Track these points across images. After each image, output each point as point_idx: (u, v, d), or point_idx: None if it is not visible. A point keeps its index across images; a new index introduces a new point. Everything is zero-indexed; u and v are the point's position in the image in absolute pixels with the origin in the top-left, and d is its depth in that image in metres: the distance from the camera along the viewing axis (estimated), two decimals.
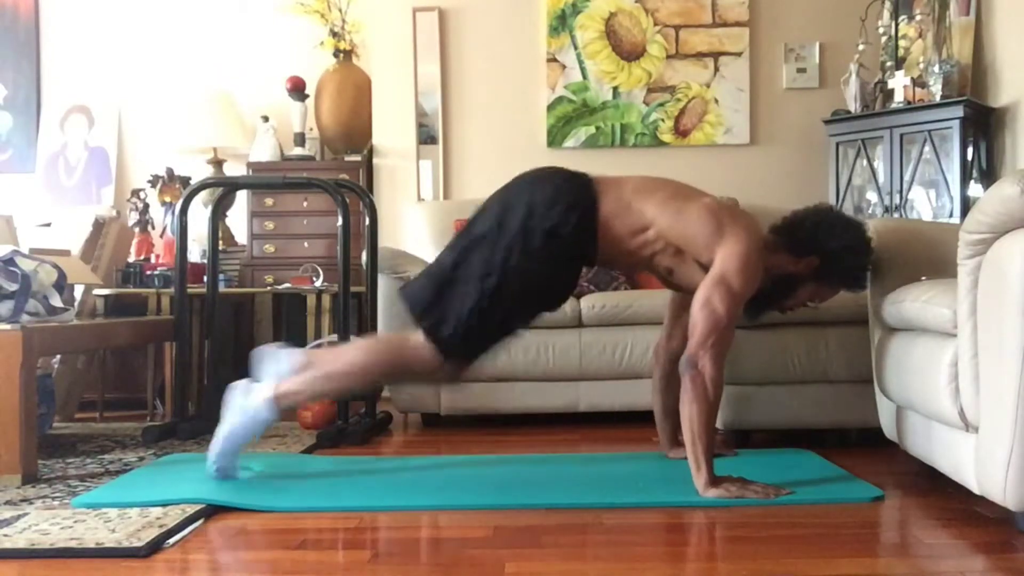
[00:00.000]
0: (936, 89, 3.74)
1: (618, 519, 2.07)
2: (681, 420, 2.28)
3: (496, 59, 4.43)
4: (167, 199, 4.40)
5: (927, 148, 3.77)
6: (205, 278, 3.56)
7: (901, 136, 3.83)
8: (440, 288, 2.31)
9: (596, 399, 3.48)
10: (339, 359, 2.42)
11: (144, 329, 3.45)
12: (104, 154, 4.77)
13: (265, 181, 4.09)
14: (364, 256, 3.46)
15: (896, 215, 3.82)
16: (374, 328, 3.39)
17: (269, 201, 4.29)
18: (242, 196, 4.35)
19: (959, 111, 3.64)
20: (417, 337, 2.33)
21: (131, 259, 4.27)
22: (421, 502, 2.26)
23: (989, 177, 3.77)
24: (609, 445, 3.08)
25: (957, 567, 1.72)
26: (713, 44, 4.39)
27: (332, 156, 4.60)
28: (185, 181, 4.39)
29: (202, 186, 3.58)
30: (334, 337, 3.35)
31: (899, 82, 3.86)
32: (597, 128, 4.40)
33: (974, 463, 1.94)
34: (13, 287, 2.75)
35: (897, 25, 4.01)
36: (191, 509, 2.11)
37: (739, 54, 4.38)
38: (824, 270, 2.42)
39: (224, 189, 3.84)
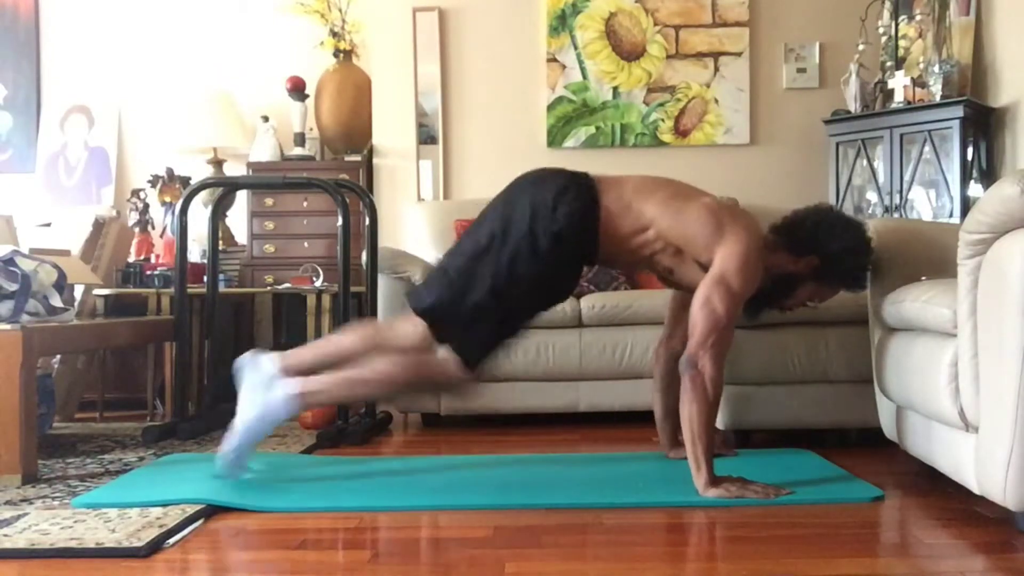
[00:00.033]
0: (936, 89, 3.74)
1: (618, 519, 2.07)
2: (681, 420, 2.28)
3: (496, 59, 4.43)
4: (167, 199, 4.40)
5: (927, 148, 3.77)
6: (205, 278, 3.56)
7: (901, 136, 3.83)
8: (454, 299, 2.32)
9: (596, 399, 3.48)
10: (371, 366, 2.43)
11: (144, 329, 3.45)
12: (104, 154, 4.77)
13: (265, 181, 4.09)
14: (364, 256, 3.46)
15: (896, 215, 3.82)
16: None
17: (269, 201, 4.29)
18: (242, 196, 4.35)
19: (959, 111, 3.64)
20: (443, 351, 2.35)
21: (131, 259, 4.27)
22: (421, 502, 2.26)
23: (989, 177, 3.77)
24: (609, 445, 3.08)
25: (957, 567, 1.72)
26: (713, 44, 4.39)
27: (332, 156, 4.60)
28: (185, 181, 4.39)
29: (202, 186, 3.58)
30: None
31: (899, 82, 3.86)
32: (597, 128, 4.40)
33: (974, 463, 1.94)
34: (13, 287, 2.75)
35: (897, 25, 4.01)
36: (191, 509, 2.11)
37: (739, 54, 4.38)
38: (824, 270, 2.42)
39: (224, 189, 3.84)
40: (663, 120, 4.40)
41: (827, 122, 4.13)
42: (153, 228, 4.43)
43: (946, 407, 2.00)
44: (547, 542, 1.90)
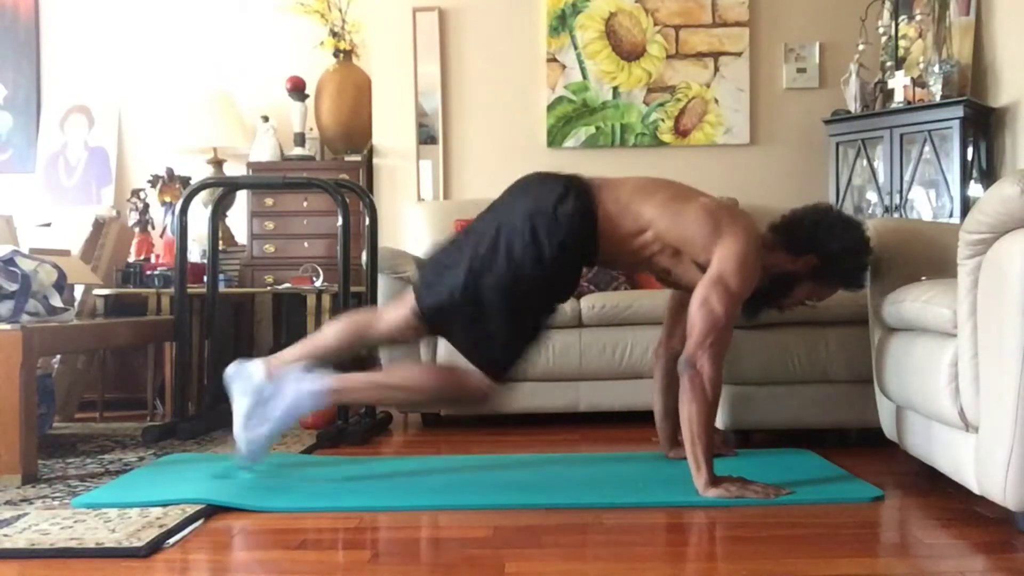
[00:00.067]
0: (936, 89, 3.74)
1: (618, 519, 2.07)
2: (680, 420, 2.28)
3: (496, 59, 4.43)
4: (167, 199, 4.40)
5: (927, 148, 3.77)
6: (205, 278, 3.56)
7: (901, 136, 3.83)
8: (462, 311, 2.32)
9: (596, 399, 3.48)
10: (403, 373, 2.43)
11: (144, 329, 3.45)
12: (104, 154, 4.77)
13: (265, 181, 4.09)
14: (364, 256, 3.47)
15: (896, 215, 3.82)
16: None
17: (269, 201, 4.29)
18: (242, 196, 4.35)
19: (959, 111, 3.64)
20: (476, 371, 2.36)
21: (131, 259, 4.27)
22: (421, 502, 2.26)
23: (989, 177, 3.77)
24: (609, 445, 3.08)
25: (957, 567, 1.72)
26: (713, 44, 4.39)
27: (332, 156, 4.60)
28: (185, 181, 4.39)
29: (202, 186, 3.58)
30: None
31: (899, 82, 3.86)
32: (597, 128, 4.40)
33: (974, 463, 1.94)
34: (13, 287, 2.75)
35: (897, 25, 4.01)
36: (191, 509, 2.11)
37: (739, 54, 4.38)
38: (822, 269, 2.42)
39: (224, 189, 3.84)
40: (663, 120, 4.40)
41: (827, 122, 4.13)
42: (153, 228, 4.43)
43: (946, 407, 2.00)
44: (547, 542, 1.90)
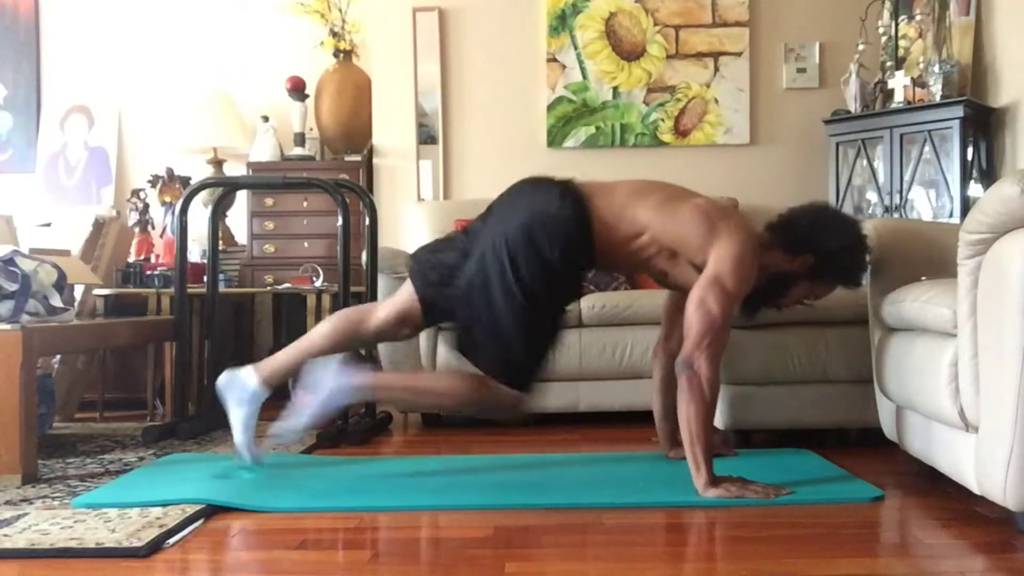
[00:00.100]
0: (936, 89, 3.74)
1: (618, 519, 2.07)
2: (679, 421, 2.28)
3: (496, 59, 4.43)
4: (167, 199, 4.40)
5: (927, 148, 3.77)
6: (205, 278, 3.56)
7: (901, 136, 3.83)
8: (489, 338, 2.33)
9: (596, 399, 3.48)
10: (438, 378, 2.44)
11: (144, 329, 3.45)
12: (104, 154, 4.78)
13: (265, 181, 4.10)
14: (364, 256, 3.47)
15: (896, 215, 3.82)
16: None
17: (269, 201, 4.29)
18: (242, 196, 4.35)
19: (959, 111, 3.64)
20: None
21: (131, 259, 4.27)
22: (421, 502, 2.25)
23: (989, 177, 3.77)
24: (609, 445, 3.08)
25: (957, 567, 1.72)
26: (713, 44, 4.39)
27: (332, 156, 4.60)
28: (185, 181, 4.39)
29: (202, 186, 3.58)
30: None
31: (899, 82, 3.86)
32: (597, 128, 4.40)
33: (974, 463, 1.94)
34: (13, 287, 2.75)
35: (897, 25, 4.01)
36: (191, 509, 2.11)
37: (739, 54, 4.38)
38: (819, 268, 2.42)
39: (224, 189, 3.84)
40: (663, 120, 4.40)
41: (827, 122, 4.13)
42: (153, 228, 4.44)
43: (946, 407, 2.00)
44: (547, 542, 1.90)
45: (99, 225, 4.18)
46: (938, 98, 3.73)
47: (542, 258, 2.27)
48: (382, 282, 3.46)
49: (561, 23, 4.40)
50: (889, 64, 4.03)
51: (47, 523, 2.02)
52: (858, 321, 2.80)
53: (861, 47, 4.05)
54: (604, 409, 3.48)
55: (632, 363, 3.43)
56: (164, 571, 1.75)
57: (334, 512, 2.16)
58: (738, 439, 2.96)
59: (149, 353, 3.92)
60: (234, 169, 4.59)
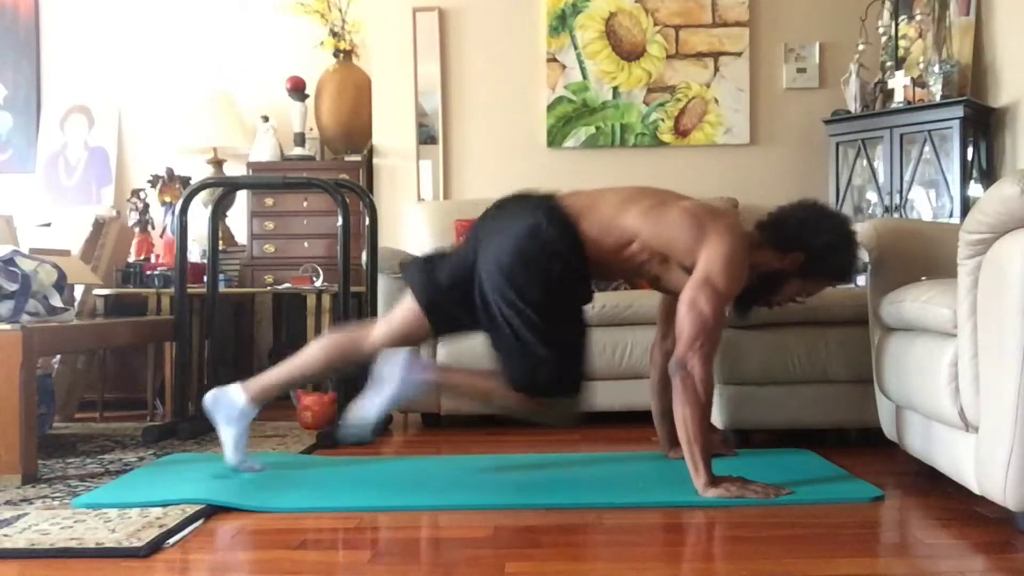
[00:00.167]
0: (936, 89, 3.74)
1: (618, 519, 2.07)
2: (675, 423, 2.29)
3: (496, 59, 4.43)
4: (167, 199, 4.40)
5: (927, 148, 3.77)
6: (205, 278, 3.56)
7: (901, 136, 3.83)
8: (520, 361, 2.35)
9: (596, 399, 3.47)
10: (499, 383, 2.45)
11: (144, 329, 3.45)
12: (104, 154, 4.78)
13: (265, 181, 4.10)
14: (364, 256, 3.46)
15: (896, 215, 3.82)
16: None
17: (269, 201, 4.29)
18: (242, 196, 4.35)
19: (959, 111, 3.64)
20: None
21: (131, 259, 4.27)
22: (421, 502, 2.26)
23: (989, 177, 3.77)
24: (609, 445, 3.08)
25: (957, 567, 1.72)
26: (713, 44, 4.39)
27: (332, 156, 4.60)
28: (185, 181, 4.39)
29: (202, 186, 3.58)
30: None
31: (899, 82, 3.86)
32: (597, 128, 4.40)
33: (974, 463, 1.94)
34: (13, 287, 2.75)
35: (897, 25, 4.01)
36: (191, 509, 2.11)
37: (739, 54, 4.38)
38: (809, 266, 2.42)
39: (224, 189, 3.84)
40: (663, 120, 4.40)
41: (827, 122, 4.13)
42: (153, 228, 4.44)
43: (946, 407, 2.00)
44: (547, 542, 1.90)
45: (99, 225, 4.18)
46: (938, 98, 3.73)
47: (542, 278, 2.30)
48: (382, 282, 3.46)
49: (561, 23, 4.40)
50: (889, 64, 4.03)
51: (47, 523, 2.02)
52: (858, 321, 2.80)
53: (861, 47, 4.06)
54: (604, 409, 3.47)
55: (632, 363, 3.43)
56: (164, 571, 1.75)
57: (334, 512, 2.16)
58: (738, 439, 2.96)
59: (149, 353, 3.92)
60: (234, 169, 4.59)
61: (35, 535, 1.92)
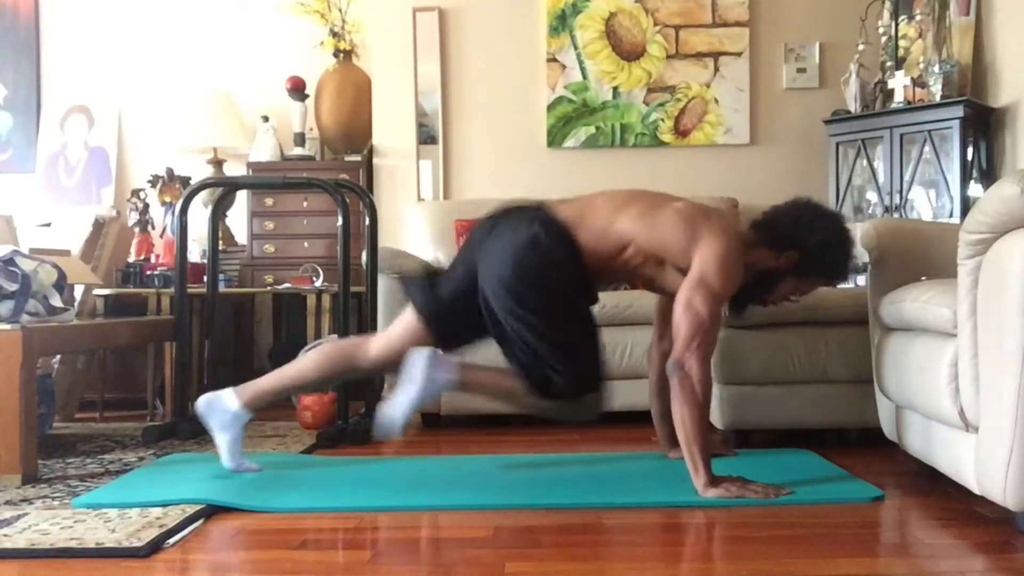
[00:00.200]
0: (936, 89, 3.74)
1: (618, 519, 2.07)
2: (674, 424, 2.29)
3: (496, 59, 4.43)
4: (167, 199, 4.40)
5: (927, 148, 3.77)
6: (205, 278, 3.56)
7: (901, 136, 3.83)
8: (536, 370, 2.36)
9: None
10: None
11: (144, 329, 3.45)
12: (104, 154, 4.78)
13: (265, 181, 4.10)
14: (364, 256, 3.46)
15: (896, 215, 3.82)
16: (374, 328, 3.39)
17: (269, 201, 4.29)
18: (242, 196, 4.35)
19: (959, 111, 3.64)
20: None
21: (131, 259, 4.27)
22: (421, 502, 2.26)
23: (989, 177, 3.77)
24: (609, 445, 3.08)
25: (957, 567, 1.72)
26: (713, 44, 4.39)
27: (332, 156, 4.60)
28: (185, 181, 4.39)
29: (202, 186, 3.58)
30: (334, 337, 3.36)
31: (899, 82, 3.86)
32: (597, 128, 4.40)
33: (974, 463, 1.94)
34: (13, 287, 2.75)
35: (897, 25, 4.01)
36: (191, 509, 2.11)
37: (739, 54, 4.38)
38: (804, 264, 2.43)
39: (224, 189, 3.84)
40: (663, 120, 4.40)
41: (827, 122, 4.13)
42: (153, 228, 4.44)
43: (946, 407, 2.00)
44: (547, 542, 1.90)
45: (99, 225, 4.18)
46: (938, 98, 3.73)
47: (544, 287, 2.32)
48: (382, 282, 3.46)
49: (561, 23, 4.40)
50: (889, 64, 4.03)
51: (47, 523, 2.02)
52: (858, 321, 2.80)
53: (861, 47, 4.06)
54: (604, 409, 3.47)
55: (632, 363, 3.43)
56: (164, 571, 1.75)
57: (334, 512, 2.16)
58: (738, 439, 2.96)
59: (149, 353, 3.92)
60: (234, 169, 4.60)
61: (35, 535, 1.92)
